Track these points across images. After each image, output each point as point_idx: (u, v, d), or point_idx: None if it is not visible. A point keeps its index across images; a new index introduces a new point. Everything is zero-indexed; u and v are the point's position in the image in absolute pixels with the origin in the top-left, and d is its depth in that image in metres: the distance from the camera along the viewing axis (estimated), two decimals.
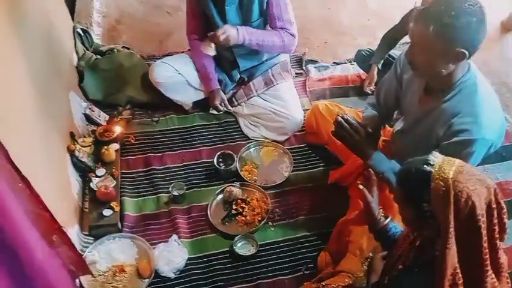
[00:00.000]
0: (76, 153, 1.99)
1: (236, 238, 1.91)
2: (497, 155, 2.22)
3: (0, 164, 1.12)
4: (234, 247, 1.88)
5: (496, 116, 1.51)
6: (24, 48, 1.69)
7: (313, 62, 2.78)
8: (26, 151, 1.49)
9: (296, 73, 2.65)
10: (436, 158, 1.12)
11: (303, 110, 2.38)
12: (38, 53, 1.86)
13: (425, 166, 1.11)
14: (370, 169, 1.59)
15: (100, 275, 1.78)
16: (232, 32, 2.10)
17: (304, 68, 2.73)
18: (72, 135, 2.05)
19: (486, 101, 1.47)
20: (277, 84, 2.38)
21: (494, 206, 1.08)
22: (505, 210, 1.11)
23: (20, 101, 1.58)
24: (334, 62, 2.80)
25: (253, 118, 2.38)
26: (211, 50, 2.11)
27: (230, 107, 2.38)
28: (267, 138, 2.32)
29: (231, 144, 2.31)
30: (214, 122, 2.41)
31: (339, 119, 1.68)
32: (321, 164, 2.23)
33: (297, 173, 2.20)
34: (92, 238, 1.89)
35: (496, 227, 1.09)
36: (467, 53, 1.37)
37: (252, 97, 2.38)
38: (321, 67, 2.75)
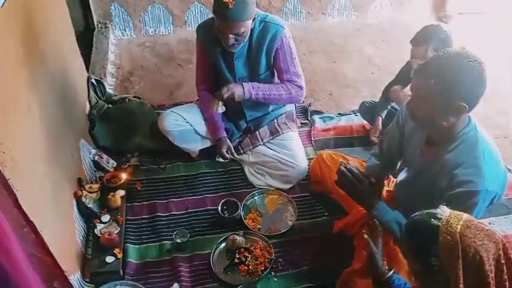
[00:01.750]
0: (83, 199, 2.01)
1: None
2: (502, 207, 2.20)
3: (7, 208, 1.14)
4: None
5: (498, 167, 1.51)
6: (39, 95, 1.77)
7: (318, 112, 2.85)
8: (35, 195, 1.51)
9: (302, 123, 2.71)
10: (444, 212, 1.10)
11: (308, 159, 2.40)
12: (52, 101, 1.94)
13: (432, 220, 1.09)
14: (375, 219, 1.58)
15: None
16: (237, 90, 2.16)
17: (309, 118, 2.79)
18: (79, 181, 2.08)
19: (487, 152, 1.48)
20: (282, 133, 2.42)
21: (503, 261, 1.06)
22: None
23: (32, 146, 1.63)
24: (339, 113, 2.86)
25: (258, 166, 2.40)
26: (220, 108, 2.18)
27: (236, 155, 2.40)
28: (271, 186, 2.34)
29: (236, 192, 2.31)
30: (220, 170, 2.43)
31: (342, 168, 1.69)
32: (326, 213, 2.22)
33: (301, 221, 2.18)
34: (93, 285, 1.87)
35: (507, 283, 1.06)
36: (467, 106, 1.39)
37: (257, 146, 2.41)
38: (326, 117, 2.80)
